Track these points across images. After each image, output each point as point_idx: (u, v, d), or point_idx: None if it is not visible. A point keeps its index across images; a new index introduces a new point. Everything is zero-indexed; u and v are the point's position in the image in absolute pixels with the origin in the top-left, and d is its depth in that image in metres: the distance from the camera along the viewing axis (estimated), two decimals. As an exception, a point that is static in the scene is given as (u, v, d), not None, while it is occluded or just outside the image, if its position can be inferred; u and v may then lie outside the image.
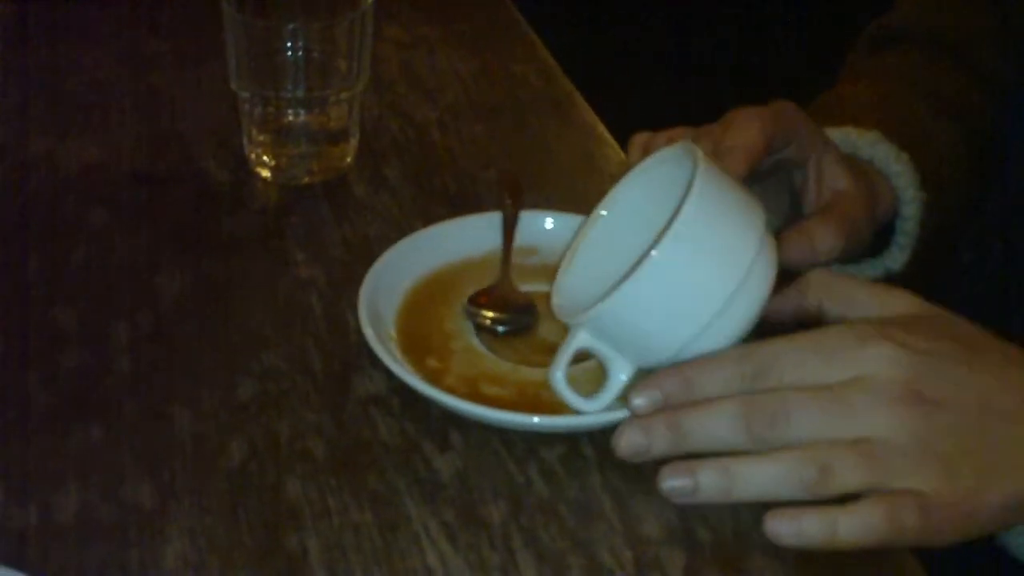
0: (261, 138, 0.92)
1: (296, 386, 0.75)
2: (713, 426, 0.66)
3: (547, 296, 0.75)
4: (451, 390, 0.72)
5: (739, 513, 0.66)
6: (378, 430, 0.72)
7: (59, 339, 0.78)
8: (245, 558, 0.64)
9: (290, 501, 0.67)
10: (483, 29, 1.13)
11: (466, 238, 0.83)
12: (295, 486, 0.68)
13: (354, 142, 0.94)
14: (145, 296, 0.81)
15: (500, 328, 0.78)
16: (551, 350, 0.72)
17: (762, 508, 0.65)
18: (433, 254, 0.82)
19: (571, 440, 0.71)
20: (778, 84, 0.86)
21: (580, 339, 0.70)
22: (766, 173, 0.80)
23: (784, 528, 0.64)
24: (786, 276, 0.72)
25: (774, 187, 0.83)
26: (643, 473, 0.68)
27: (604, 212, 0.76)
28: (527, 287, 0.81)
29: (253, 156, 0.93)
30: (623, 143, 0.91)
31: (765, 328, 0.71)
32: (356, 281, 0.77)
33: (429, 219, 0.85)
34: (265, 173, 0.93)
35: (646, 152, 0.80)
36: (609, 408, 0.70)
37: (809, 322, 0.71)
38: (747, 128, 0.76)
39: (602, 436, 0.70)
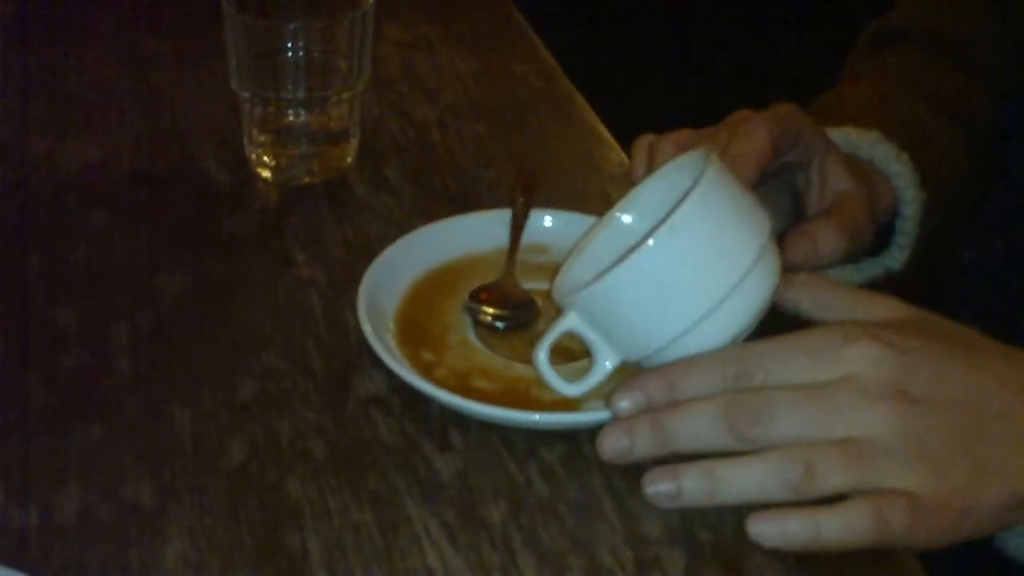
0: (262, 138, 0.92)
1: (296, 386, 0.75)
2: (696, 426, 0.65)
3: (549, 293, 0.75)
4: (441, 382, 0.73)
5: (740, 513, 0.66)
6: (378, 430, 0.72)
7: (59, 339, 0.78)
8: (245, 558, 0.64)
9: (290, 501, 0.67)
10: (484, 29, 1.14)
11: (475, 234, 0.83)
12: (295, 486, 0.68)
13: (354, 142, 0.94)
14: (145, 296, 0.81)
15: (499, 324, 0.78)
16: (551, 349, 0.72)
17: (762, 508, 0.65)
18: (440, 249, 0.82)
19: (571, 440, 0.71)
20: (778, 84, 0.86)
21: (569, 320, 0.70)
22: (769, 175, 0.80)
23: (766, 529, 0.64)
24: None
25: (776, 189, 0.83)
26: (644, 473, 0.68)
27: (619, 213, 0.76)
28: (532, 284, 0.81)
29: (253, 156, 0.93)
30: (623, 143, 0.91)
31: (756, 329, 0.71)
32: (356, 281, 0.78)
33: (429, 219, 0.85)
34: (265, 173, 0.93)
35: (650, 154, 0.80)
36: (590, 393, 0.71)
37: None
38: (755, 135, 0.76)
39: (602, 436, 0.70)
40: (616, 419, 0.68)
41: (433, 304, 0.79)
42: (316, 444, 0.71)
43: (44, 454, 0.70)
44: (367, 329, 0.74)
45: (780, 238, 0.74)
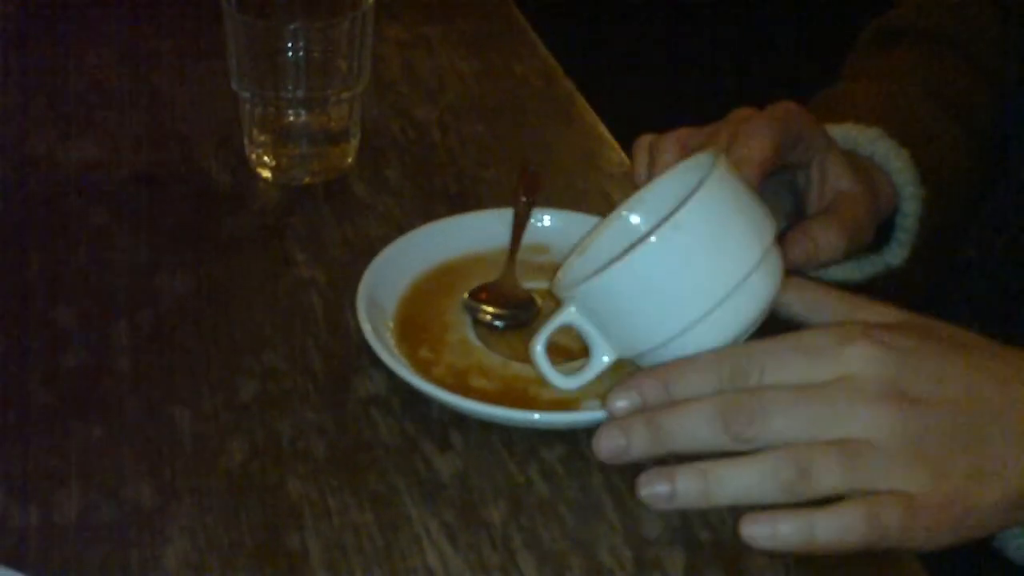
0: (262, 138, 0.92)
1: (297, 386, 0.75)
2: (692, 426, 0.65)
3: (549, 292, 0.75)
4: (439, 381, 0.73)
5: (740, 513, 0.65)
6: (379, 430, 0.72)
7: (60, 339, 0.78)
8: (245, 558, 0.64)
9: (291, 501, 0.67)
10: (484, 29, 1.13)
11: (475, 233, 0.83)
12: (296, 486, 0.68)
13: (355, 142, 0.94)
14: (146, 296, 0.81)
15: (498, 323, 0.78)
16: (549, 347, 0.72)
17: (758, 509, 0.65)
18: (440, 248, 0.82)
19: (572, 440, 0.71)
20: (778, 84, 0.86)
21: (568, 314, 0.71)
22: (769, 174, 0.80)
23: (759, 531, 0.63)
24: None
25: (776, 188, 0.83)
26: (639, 475, 0.67)
27: (625, 212, 0.76)
28: (533, 284, 0.81)
29: (254, 156, 0.93)
30: (623, 143, 0.91)
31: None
32: (356, 281, 0.77)
33: (430, 219, 0.85)
34: (266, 173, 0.93)
35: (650, 153, 0.80)
36: (585, 388, 0.71)
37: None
38: (758, 137, 0.76)
39: (603, 436, 0.70)
40: (612, 419, 0.68)
41: (433, 303, 0.79)
42: (316, 444, 0.71)
43: (44, 454, 0.70)
44: (366, 328, 0.74)
45: (780, 236, 0.74)
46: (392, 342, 0.75)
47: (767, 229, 0.69)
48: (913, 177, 0.85)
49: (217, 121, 0.97)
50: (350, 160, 0.94)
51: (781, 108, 0.79)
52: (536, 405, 0.72)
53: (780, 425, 0.64)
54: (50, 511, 0.66)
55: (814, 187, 0.82)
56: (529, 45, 1.12)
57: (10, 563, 0.62)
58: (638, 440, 0.66)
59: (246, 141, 0.93)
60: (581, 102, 1.04)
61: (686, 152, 0.78)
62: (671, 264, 0.68)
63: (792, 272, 0.73)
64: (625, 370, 0.72)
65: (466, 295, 0.79)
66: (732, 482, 0.64)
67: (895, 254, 0.88)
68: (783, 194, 0.84)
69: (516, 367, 0.75)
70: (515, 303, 0.79)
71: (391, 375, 0.73)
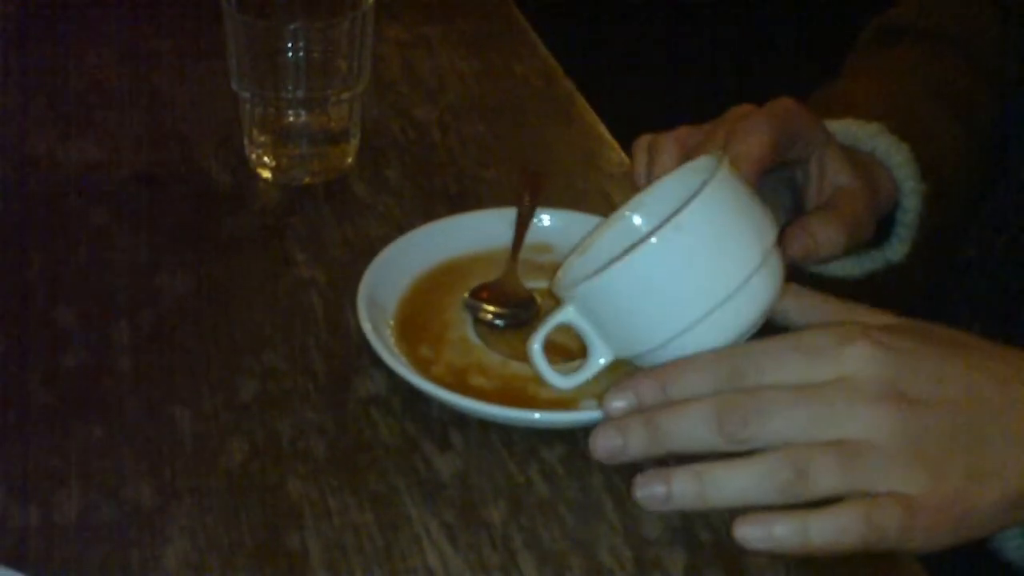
0: (262, 139, 0.92)
1: (297, 386, 0.75)
2: (689, 426, 0.65)
3: (550, 291, 0.75)
4: (438, 379, 0.73)
5: (740, 513, 0.65)
6: (379, 430, 0.72)
7: (60, 339, 0.78)
8: (245, 558, 0.64)
9: (291, 501, 0.67)
10: (484, 29, 1.14)
11: (477, 232, 0.83)
12: (296, 486, 0.68)
13: (355, 142, 0.94)
14: (146, 296, 0.81)
15: (498, 322, 0.78)
16: (547, 345, 0.72)
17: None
18: (442, 247, 0.82)
19: (572, 440, 0.71)
20: (778, 84, 0.86)
21: (566, 313, 0.71)
22: (768, 172, 0.80)
23: (753, 532, 0.63)
24: (789, 274, 0.72)
25: (775, 184, 0.83)
26: (635, 476, 0.67)
27: (628, 213, 0.76)
28: (535, 283, 0.81)
29: (254, 156, 0.93)
30: (623, 143, 0.91)
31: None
32: (357, 281, 0.77)
33: (430, 219, 0.85)
34: (266, 174, 0.93)
35: (650, 153, 0.80)
36: (582, 387, 0.71)
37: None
38: (755, 135, 0.76)
39: (603, 436, 0.70)
40: (609, 419, 0.67)
41: (433, 302, 0.79)
42: (316, 444, 0.71)
43: (44, 454, 0.70)
44: (366, 327, 0.74)
45: (779, 232, 0.74)
46: (392, 341, 0.75)
47: (768, 232, 0.69)
48: (913, 172, 0.85)
49: (217, 121, 0.97)
50: (350, 160, 0.94)
51: (779, 105, 0.79)
52: (535, 404, 0.72)
53: (778, 425, 0.63)
54: (50, 511, 0.66)
55: (813, 183, 0.82)
56: (529, 45, 1.12)
57: (10, 563, 0.62)
58: (635, 440, 0.66)
59: (246, 141, 0.93)
60: (581, 102, 1.04)
61: (685, 151, 0.78)
62: (671, 265, 0.68)
63: (791, 268, 0.73)
64: (623, 370, 0.72)
65: (467, 294, 0.79)
66: (728, 484, 0.64)
67: (895, 250, 0.88)
68: (782, 190, 0.84)
69: (515, 366, 0.75)
70: (516, 302, 0.79)
71: (391, 375, 0.73)
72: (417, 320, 0.78)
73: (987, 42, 0.97)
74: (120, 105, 1.00)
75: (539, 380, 0.72)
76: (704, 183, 0.68)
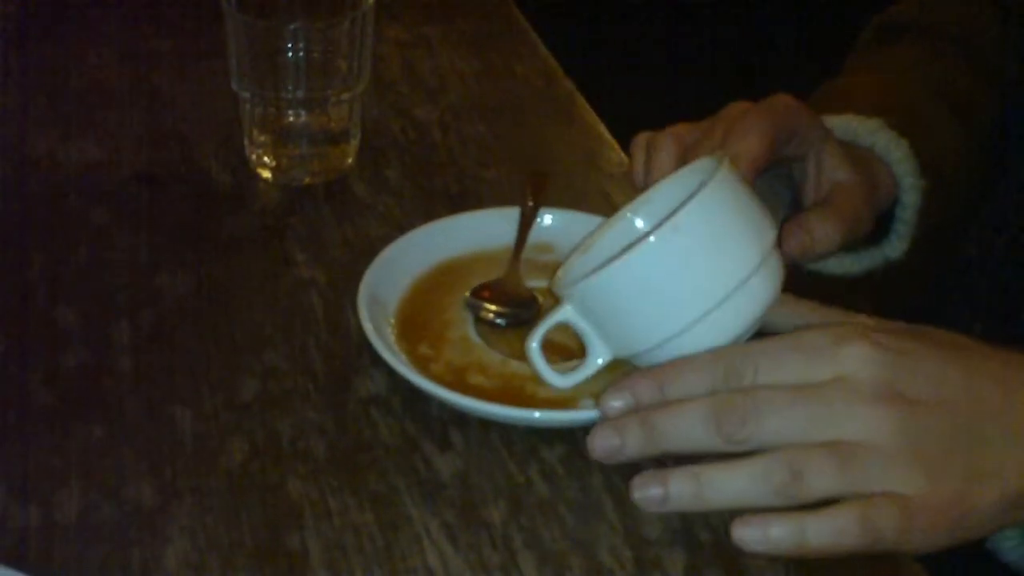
0: (262, 139, 0.92)
1: (297, 386, 0.75)
2: (686, 425, 0.65)
3: (550, 290, 0.75)
4: (438, 377, 0.73)
5: (741, 514, 0.65)
6: (379, 430, 0.72)
7: (60, 338, 0.78)
8: (246, 558, 0.64)
9: (291, 501, 0.67)
10: (484, 29, 1.14)
11: (477, 232, 0.83)
12: (296, 486, 0.68)
13: (355, 142, 0.94)
14: (146, 296, 0.81)
15: (499, 321, 0.78)
16: (546, 345, 0.72)
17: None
18: (443, 246, 0.82)
19: (572, 440, 0.71)
20: (778, 84, 0.86)
21: (564, 312, 0.71)
22: (765, 168, 0.80)
23: (749, 533, 0.63)
24: (788, 272, 0.72)
25: (773, 181, 0.83)
26: (633, 477, 0.67)
27: (629, 213, 0.76)
28: (536, 283, 0.81)
29: (254, 157, 0.93)
30: (623, 143, 0.91)
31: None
32: (357, 281, 0.78)
33: (430, 219, 0.85)
34: (266, 174, 0.93)
35: (648, 151, 0.80)
36: (580, 386, 0.71)
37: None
38: (752, 133, 0.76)
39: (603, 436, 0.70)
40: (607, 418, 0.67)
41: (434, 301, 0.79)
42: (317, 444, 0.71)
43: (45, 454, 0.70)
44: (367, 326, 0.74)
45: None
46: (392, 340, 0.75)
47: (768, 232, 0.69)
48: (913, 168, 0.85)
49: (217, 121, 0.97)
50: (350, 160, 0.94)
51: (777, 101, 0.79)
52: (533, 403, 0.72)
53: (774, 425, 0.63)
54: (51, 511, 0.66)
55: (810, 179, 0.82)
56: (529, 45, 1.12)
57: (11, 563, 0.62)
58: (632, 440, 0.66)
59: (246, 141, 0.93)
60: (581, 102, 1.04)
61: (683, 149, 0.78)
62: (669, 265, 0.68)
63: (790, 266, 0.73)
64: (621, 370, 0.72)
65: (468, 293, 0.79)
66: (725, 485, 0.64)
67: (894, 247, 0.88)
68: (780, 187, 0.84)
69: (515, 365, 0.75)
70: (517, 302, 0.79)
71: (392, 375, 0.73)
72: (417, 320, 0.78)
73: (987, 42, 0.97)
74: (120, 105, 1.00)
75: (538, 379, 0.73)
76: (703, 184, 0.68)
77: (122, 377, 0.75)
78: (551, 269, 0.80)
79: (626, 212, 0.76)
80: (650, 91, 2.36)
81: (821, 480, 0.62)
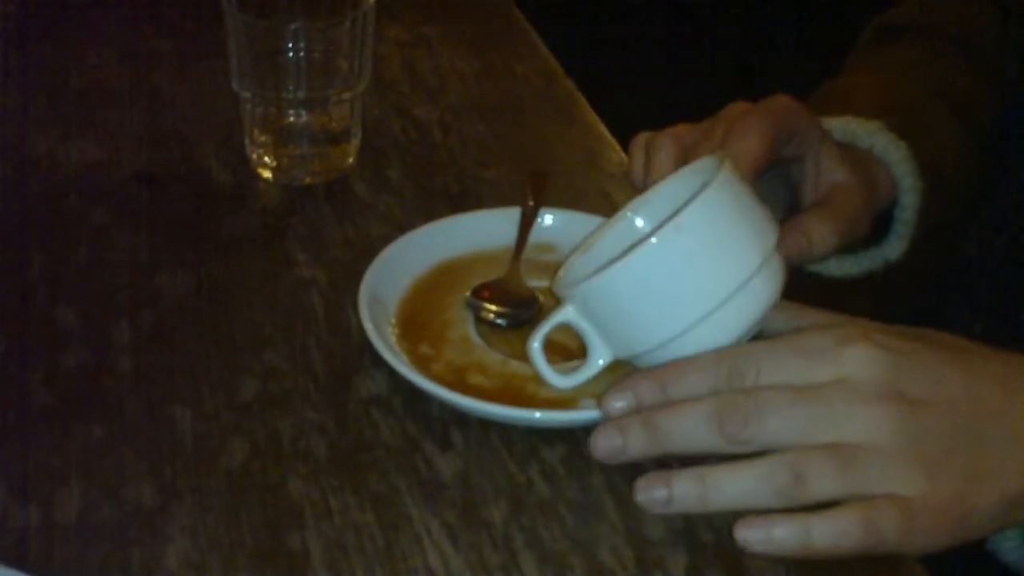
0: (263, 139, 0.92)
1: (298, 386, 0.75)
2: (688, 426, 0.65)
3: (550, 290, 0.75)
4: (438, 377, 0.73)
5: (742, 514, 0.65)
6: (379, 430, 0.72)
7: (60, 338, 0.78)
8: (246, 558, 0.64)
9: (291, 501, 0.67)
10: (485, 29, 1.14)
11: (478, 232, 0.83)
12: (296, 486, 0.68)
13: (356, 142, 0.94)
14: (146, 296, 0.81)
15: (500, 321, 0.78)
16: (547, 345, 0.72)
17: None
18: (444, 246, 0.82)
19: (572, 440, 0.71)
20: (778, 84, 0.86)
21: (566, 312, 0.71)
22: (765, 169, 0.80)
23: (754, 534, 0.63)
24: (788, 273, 0.72)
25: (771, 182, 0.83)
26: (636, 479, 0.67)
27: (630, 213, 0.76)
28: (537, 283, 0.81)
29: (255, 156, 0.93)
30: (624, 143, 0.91)
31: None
32: (357, 281, 0.78)
33: (431, 219, 0.85)
34: (267, 174, 0.93)
35: (647, 151, 0.80)
36: (581, 387, 0.71)
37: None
38: (752, 135, 0.76)
39: (604, 436, 0.70)
40: (609, 419, 0.67)
41: (434, 301, 0.79)
42: (317, 444, 0.71)
43: (45, 453, 0.70)
44: (368, 326, 0.74)
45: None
46: (393, 340, 0.75)
47: (770, 233, 0.69)
48: (912, 169, 0.85)
49: (218, 121, 0.97)
50: (351, 160, 0.94)
51: (776, 102, 0.79)
52: (534, 403, 0.72)
53: (776, 426, 0.63)
54: (51, 511, 0.66)
55: (808, 180, 0.82)
56: (530, 45, 1.12)
57: (11, 563, 0.62)
58: (635, 440, 0.66)
59: (247, 141, 0.93)
60: (582, 102, 1.04)
61: (682, 149, 0.78)
62: (671, 266, 0.68)
63: (790, 267, 0.73)
64: (622, 370, 0.72)
65: (468, 293, 0.79)
66: (728, 487, 0.64)
67: (893, 248, 0.88)
68: (778, 188, 0.84)
69: (515, 365, 0.75)
70: (518, 302, 0.79)
71: (392, 375, 0.73)
72: (418, 319, 0.78)
73: (987, 42, 0.97)
74: (120, 105, 1.00)
75: (539, 379, 0.72)
76: (705, 185, 0.68)
77: (122, 377, 0.75)
78: (552, 269, 0.80)
79: (627, 212, 0.76)
80: (650, 91, 2.36)
81: (823, 483, 0.62)
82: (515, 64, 1.08)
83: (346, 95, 0.91)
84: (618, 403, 0.67)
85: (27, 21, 1.11)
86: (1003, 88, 0.95)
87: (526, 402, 0.72)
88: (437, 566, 0.64)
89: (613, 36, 2.75)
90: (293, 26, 0.89)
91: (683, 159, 0.78)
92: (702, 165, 0.73)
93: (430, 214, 0.87)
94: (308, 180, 0.92)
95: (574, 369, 0.72)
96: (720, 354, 0.67)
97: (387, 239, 0.82)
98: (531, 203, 0.84)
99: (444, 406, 0.72)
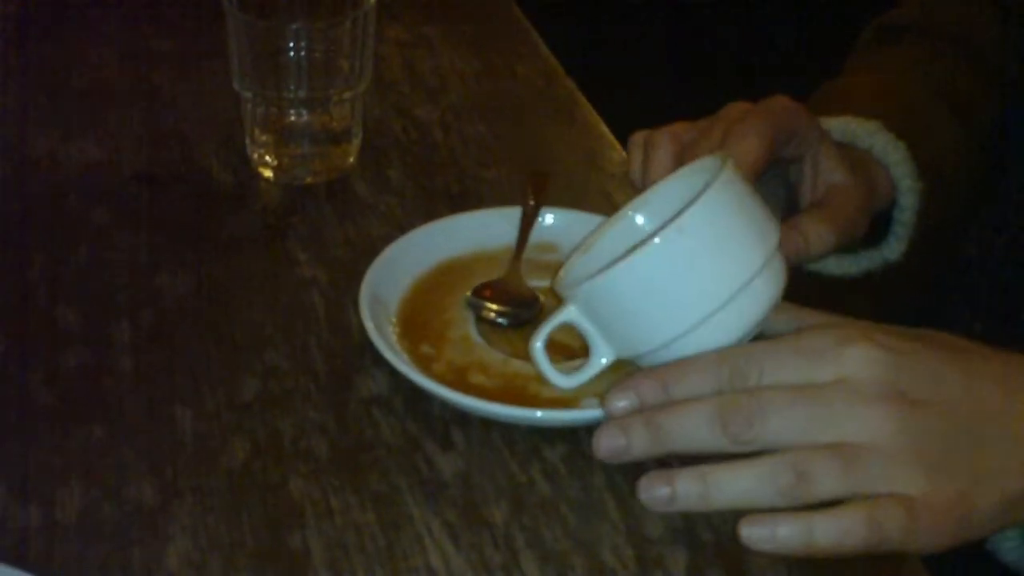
0: (264, 138, 0.92)
1: (298, 385, 0.75)
2: (691, 426, 0.65)
3: (551, 290, 0.75)
4: (439, 377, 0.73)
5: (742, 513, 0.65)
6: (380, 430, 0.72)
7: (61, 338, 0.78)
8: (247, 557, 0.64)
9: (292, 501, 0.67)
10: (485, 29, 1.14)
11: (479, 232, 0.83)
12: (297, 485, 0.68)
13: (356, 142, 0.94)
14: (147, 296, 0.81)
15: (501, 320, 0.78)
16: (548, 344, 0.72)
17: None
18: (445, 245, 0.82)
19: (573, 439, 0.71)
20: (778, 84, 0.86)
21: (568, 312, 0.71)
22: (764, 170, 0.80)
23: (758, 533, 0.63)
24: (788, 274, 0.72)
25: (770, 182, 0.83)
26: (640, 478, 0.67)
27: (631, 212, 0.76)
28: (538, 282, 0.81)
29: (256, 156, 0.93)
30: (624, 143, 0.91)
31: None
32: (358, 281, 0.78)
33: (431, 219, 0.85)
34: (268, 173, 0.93)
35: (645, 149, 0.80)
36: (583, 387, 0.71)
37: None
38: (751, 136, 0.76)
39: (604, 436, 0.70)
40: (611, 418, 0.67)
41: (435, 300, 0.79)
42: (318, 443, 0.71)
43: (46, 453, 0.70)
44: (369, 326, 0.74)
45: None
46: (394, 339, 0.75)
47: (771, 233, 0.69)
48: (911, 170, 0.85)
49: (219, 121, 0.97)
50: (352, 160, 0.94)
51: (775, 103, 0.79)
52: (535, 403, 0.72)
53: (778, 426, 0.64)
54: (52, 510, 0.66)
55: (807, 181, 0.82)
56: (530, 45, 1.12)
57: (12, 562, 0.62)
58: (637, 440, 0.66)
59: (248, 141, 0.93)
60: (582, 102, 1.04)
61: (680, 148, 0.78)
62: (674, 266, 0.68)
63: (790, 268, 0.73)
64: (624, 370, 0.72)
65: (469, 292, 0.79)
66: (731, 486, 0.64)
67: (892, 248, 0.88)
68: (776, 188, 0.84)
69: (516, 364, 0.75)
70: (519, 301, 0.79)
71: (393, 374, 0.73)
72: (418, 319, 0.78)
73: (987, 42, 0.97)
74: (120, 105, 1.00)
75: (541, 379, 0.73)
76: (707, 184, 0.68)
77: (122, 377, 0.75)
78: (552, 269, 0.80)
79: (627, 211, 0.76)
80: (650, 91, 2.36)
81: (825, 482, 0.63)
82: (515, 64, 1.08)
83: (347, 95, 0.91)
84: (621, 403, 0.67)
85: (27, 21, 1.11)
86: (1003, 88, 0.95)
87: (528, 401, 0.72)
88: (438, 566, 0.64)
89: (613, 36, 2.75)
90: (294, 26, 0.89)
91: (681, 157, 0.78)
92: (703, 165, 0.73)
93: (431, 214, 0.87)
94: (309, 180, 0.92)
95: (576, 368, 0.72)
96: (722, 354, 0.67)
97: (388, 239, 0.82)
98: (532, 203, 0.84)
99: (445, 405, 0.72)
